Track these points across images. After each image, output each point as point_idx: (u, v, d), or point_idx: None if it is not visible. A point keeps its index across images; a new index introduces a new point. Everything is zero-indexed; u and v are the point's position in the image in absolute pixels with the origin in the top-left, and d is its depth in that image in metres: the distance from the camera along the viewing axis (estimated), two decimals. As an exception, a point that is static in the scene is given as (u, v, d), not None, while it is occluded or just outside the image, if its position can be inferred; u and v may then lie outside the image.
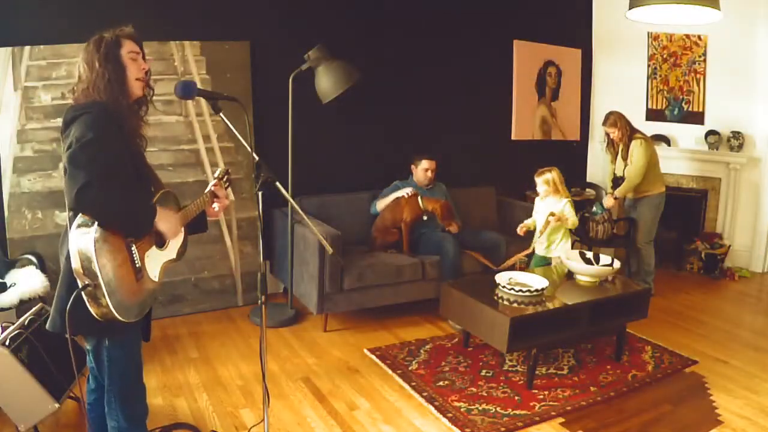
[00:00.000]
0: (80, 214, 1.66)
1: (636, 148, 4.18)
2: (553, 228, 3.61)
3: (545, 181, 3.67)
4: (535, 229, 3.73)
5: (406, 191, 4.02)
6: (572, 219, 3.61)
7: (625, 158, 4.29)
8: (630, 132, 4.25)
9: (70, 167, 1.62)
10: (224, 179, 2.16)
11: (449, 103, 4.90)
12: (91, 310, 1.67)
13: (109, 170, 1.67)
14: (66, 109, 1.76)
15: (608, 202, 4.43)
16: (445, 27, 4.80)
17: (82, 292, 1.65)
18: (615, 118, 4.23)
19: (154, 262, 1.86)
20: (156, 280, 1.87)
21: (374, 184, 4.36)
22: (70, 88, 1.84)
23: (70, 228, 1.68)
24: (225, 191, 2.14)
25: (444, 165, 4.29)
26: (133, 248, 1.76)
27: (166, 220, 1.84)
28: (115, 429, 1.88)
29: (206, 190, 2.09)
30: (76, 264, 1.64)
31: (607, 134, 4.36)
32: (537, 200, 3.80)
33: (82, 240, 1.63)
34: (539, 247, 3.70)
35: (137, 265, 1.77)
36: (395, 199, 4.04)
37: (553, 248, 3.68)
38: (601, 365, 3.25)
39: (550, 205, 3.64)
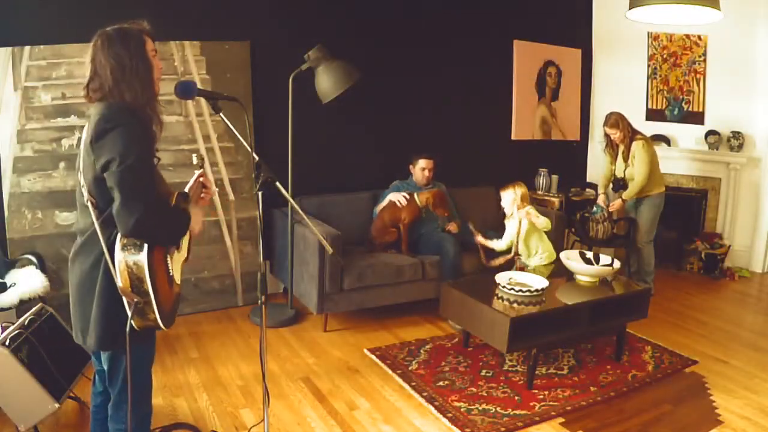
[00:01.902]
0: (120, 233, 1.64)
1: (638, 149, 4.17)
2: (526, 235, 3.62)
3: (508, 195, 3.66)
4: (509, 250, 3.72)
5: (400, 198, 4.01)
6: (542, 218, 3.58)
7: (626, 159, 4.28)
8: (631, 133, 4.24)
9: (123, 191, 1.59)
10: (203, 167, 2.10)
11: (449, 102, 4.90)
12: (134, 323, 1.67)
13: (153, 185, 1.68)
14: (97, 117, 1.65)
15: (601, 199, 4.43)
16: (445, 27, 4.80)
17: (129, 309, 1.66)
18: (616, 119, 4.21)
19: (177, 264, 1.90)
20: (178, 281, 1.90)
21: (374, 184, 4.37)
22: (84, 85, 1.73)
23: (106, 244, 1.65)
24: (209, 180, 2.11)
25: (444, 165, 4.29)
26: (168, 259, 1.79)
27: (196, 220, 1.87)
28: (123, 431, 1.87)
29: (193, 183, 2.04)
30: (124, 284, 1.64)
31: (607, 135, 4.33)
32: (506, 222, 3.75)
33: (132, 260, 1.63)
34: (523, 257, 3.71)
35: (171, 274, 1.80)
36: (390, 201, 4.05)
37: (531, 259, 3.68)
38: (601, 365, 3.25)
39: (515, 222, 3.64)
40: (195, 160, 2.06)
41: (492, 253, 3.85)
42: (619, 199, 4.36)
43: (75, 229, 1.83)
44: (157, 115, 1.79)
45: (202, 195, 2.07)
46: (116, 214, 1.62)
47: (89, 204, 1.69)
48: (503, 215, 3.79)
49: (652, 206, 4.32)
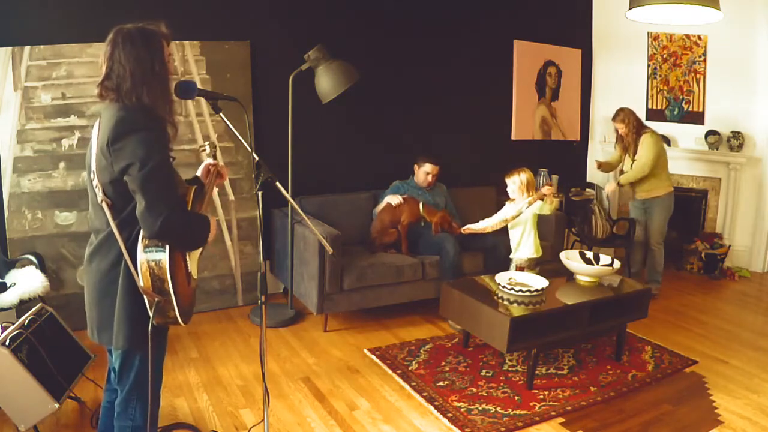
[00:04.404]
0: (143, 234, 1.66)
1: (646, 140, 4.23)
2: (514, 224, 3.61)
3: (514, 182, 3.63)
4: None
5: (395, 200, 4.01)
6: (548, 205, 3.54)
7: (633, 154, 4.30)
8: (637, 128, 4.28)
9: (147, 195, 1.60)
10: (215, 155, 2.11)
11: (449, 103, 4.90)
12: (154, 321, 1.70)
13: (176, 188, 1.71)
14: (114, 119, 1.62)
15: (609, 187, 4.47)
16: (445, 27, 4.80)
17: (149, 307, 1.68)
18: (624, 114, 4.29)
19: (194, 259, 1.91)
20: (195, 276, 1.91)
21: (374, 184, 4.37)
22: (98, 82, 1.70)
23: (125, 245, 1.67)
24: (224, 168, 2.11)
25: (444, 165, 4.29)
26: (186, 257, 1.81)
27: (212, 231, 1.88)
28: (129, 428, 1.86)
29: (204, 170, 2.03)
30: (145, 283, 1.66)
31: (616, 130, 4.40)
32: (507, 203, 3.73)
33: (154, 261, 1.66)
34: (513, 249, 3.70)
35: (189, 271, 1.82)
36: (387, 203, 4.05)
37: (517, 251, 3.65)
38: (601, 365, 3.25)
39: (518, 206, 3.61)
40: (208, 150, 2.06)
41: (484, 242, 3.94)
42: (614, 183, 4.42)
43: (89, 228, 1.84)
44: (172, 117, 1.79)
45: (217, 181, 2.08)
46: (141, 218, 1.63)
47: (104, 205, 1.68)
48: (505, 199, 3.78)
49: (663, 207, 4.34)
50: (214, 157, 2.08)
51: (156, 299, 1.67)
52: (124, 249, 1.67)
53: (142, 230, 1.66)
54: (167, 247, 1.67)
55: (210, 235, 1.86)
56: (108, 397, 2.04)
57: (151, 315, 1.69)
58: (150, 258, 1.66)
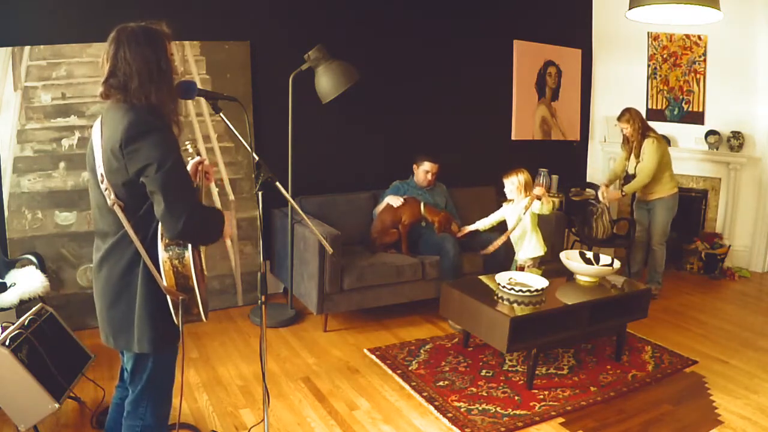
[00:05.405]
0: (162, 234, 1.66)
1: (648, 146, 4.21)
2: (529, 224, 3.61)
3: (512, 182, 3.63)
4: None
5: (396, 201, 4.01)
6: (546, 205, 3.53)
7: (637, 156, 4.31)
8: (643, 129, 4.27)
9: (167, 195, 1.59)
10: (199, 153, 2.10)
11: (449, 103, 4.90)
12: (176, 320, 1.70)
13: (192, 186, 1.71)
14: (126, 120, 1.60)
15: (605, 194, 4.45)
16: (445, 27, 4.80)
17: (172, 306, 1.69)
18: (630, 115, 4.27)
19: (203, 255, 1.92)
20: (206, 272, 1.93)
21: (374, 184, 4.37)
22: (102, 81, 1.68)
23: (143, 245, 1.66)
24: (210, 168, 2.09)
25: (444, 165, 4.29)
26: (201, 253, 1.82)
27: (229, 223, 1.88)
28: (138, 428, 1.86)
29: (192, 168, 2.00)
30: (168, 282, 1.66)
31: (621, 130, 4.39)
32: (504, 205, 3.75)
33: (177, 259, 1.66)
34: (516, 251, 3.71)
35: (202, 266, 1.83)
36: (388, 204, 4.04)
37: (519, 252, 3.66)
38: (601, 365, 3.25)
39: (516, 207, 3.62)
40: (190, 149, 2.05)
41: (482, 241, 3.87)
42: (617, 191, 4.41)
43: (94, 230, 1.80)
44: (177, 117, 1.79)
45: (206, 179, 2.07)
46: (162, 218, 1.62)
47: (116, 207, 1.65)
48: (502, 200, 3.79)
49: (665, 208, 4.34)
50: (198, 153, 2.06)
51: (181, 297, 1.66)
52: (142, 250, 1.65)
53: (162, 230, 1.65)
54: (188, 245, 1.67)
55: (227, 230, 1.85)
56: (119, 393, 2.04)
57: (179, 314, 1.68)
58: (173, 256, 1.65)
